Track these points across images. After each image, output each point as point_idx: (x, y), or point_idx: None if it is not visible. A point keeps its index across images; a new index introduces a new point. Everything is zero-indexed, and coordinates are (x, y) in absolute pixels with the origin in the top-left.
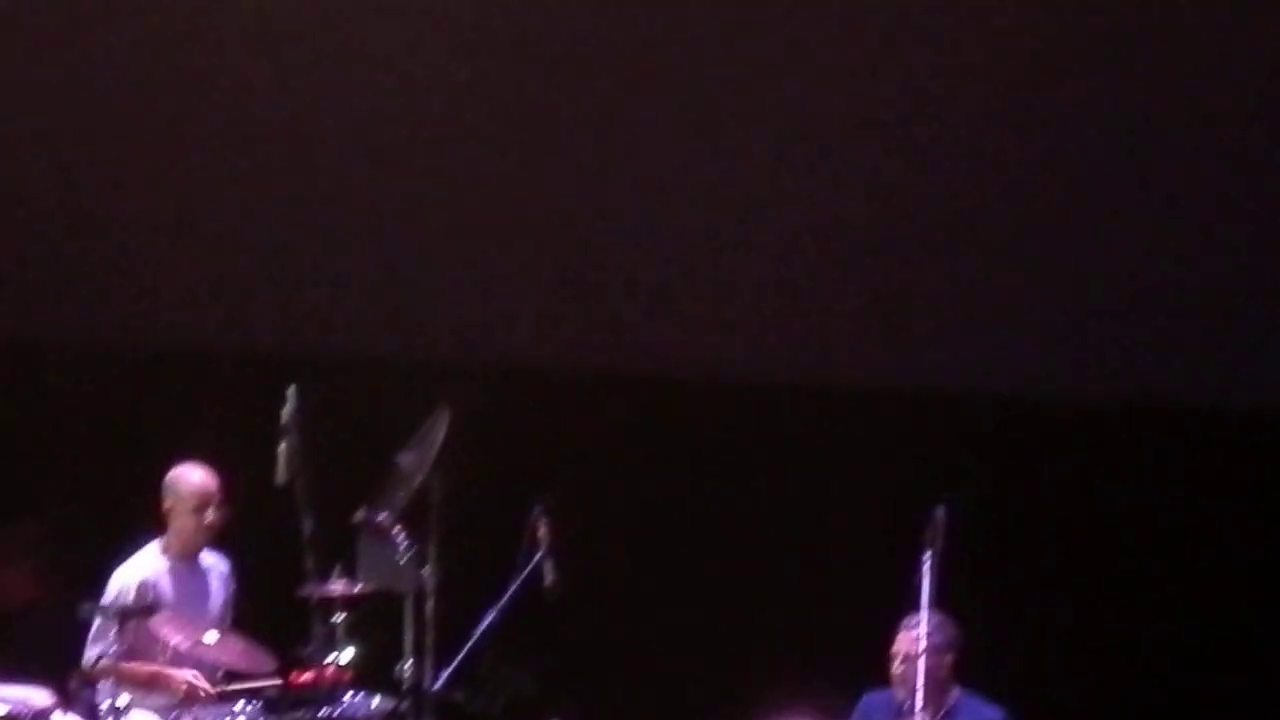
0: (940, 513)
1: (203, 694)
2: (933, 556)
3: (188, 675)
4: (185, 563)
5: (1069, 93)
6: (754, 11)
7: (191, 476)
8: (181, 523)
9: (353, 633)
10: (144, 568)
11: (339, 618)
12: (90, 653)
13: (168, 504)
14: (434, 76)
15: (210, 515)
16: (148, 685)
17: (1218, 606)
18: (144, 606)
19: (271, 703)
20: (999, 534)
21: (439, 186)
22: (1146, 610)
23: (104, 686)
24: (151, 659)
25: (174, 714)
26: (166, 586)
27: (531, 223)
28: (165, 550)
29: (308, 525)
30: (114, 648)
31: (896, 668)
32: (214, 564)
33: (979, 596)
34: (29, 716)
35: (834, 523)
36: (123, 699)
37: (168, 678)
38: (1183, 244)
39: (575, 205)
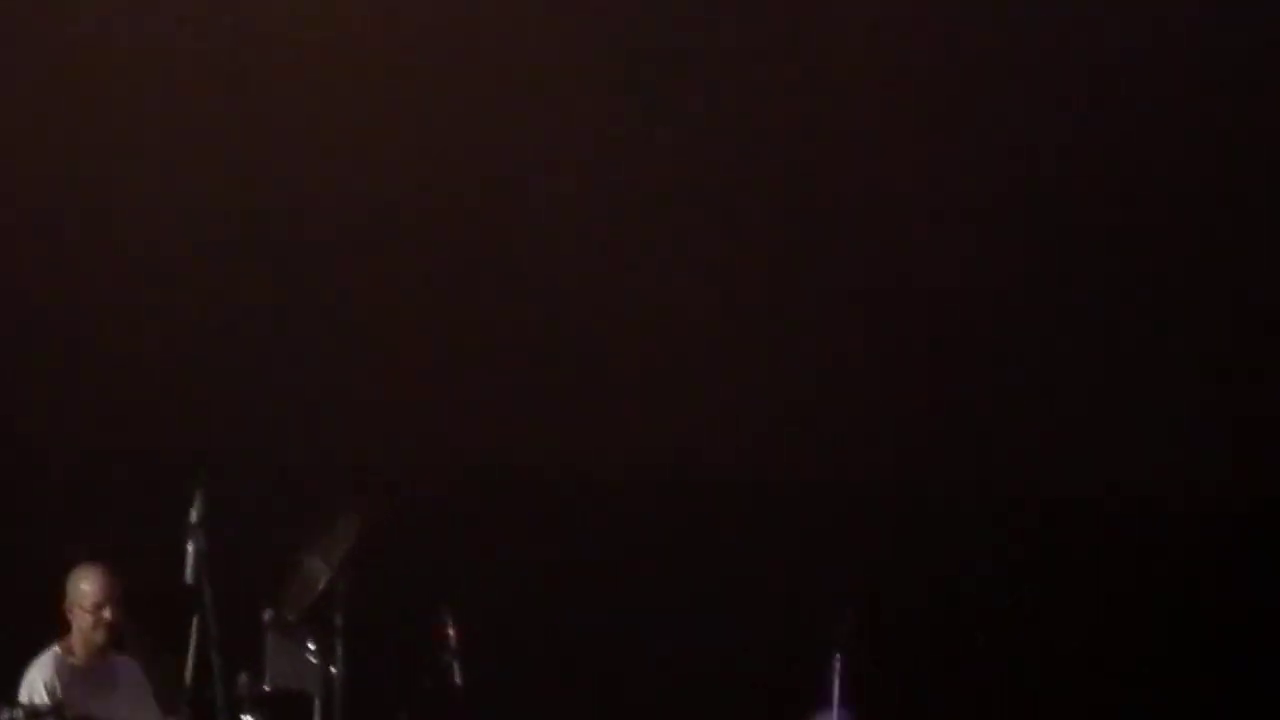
0: (850, 611)
1: None
2: (843, 655)
3: None
4: (91, 663)
5: None
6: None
7: (88, 576)
8: (81, 622)
9: None
10: (49, 668)
11: (247, 717)
12: None
13: (67, 603)
14: (338, 183)
15: (107, 614)
16: None
17: (1132, 697)
18: (49, 708)
19: None
20: (910, 632)
21: (345, 290)
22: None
23: None
24: None
25: None
26: (74, 687)
27: (434, 325)
28: (69, 651)
29: (214, 625)
30: None
31: None
32: (124, 665)
33: (888, 695)
34: None
35: (746, 619)
36: None
37: None
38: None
39: (476, 303)
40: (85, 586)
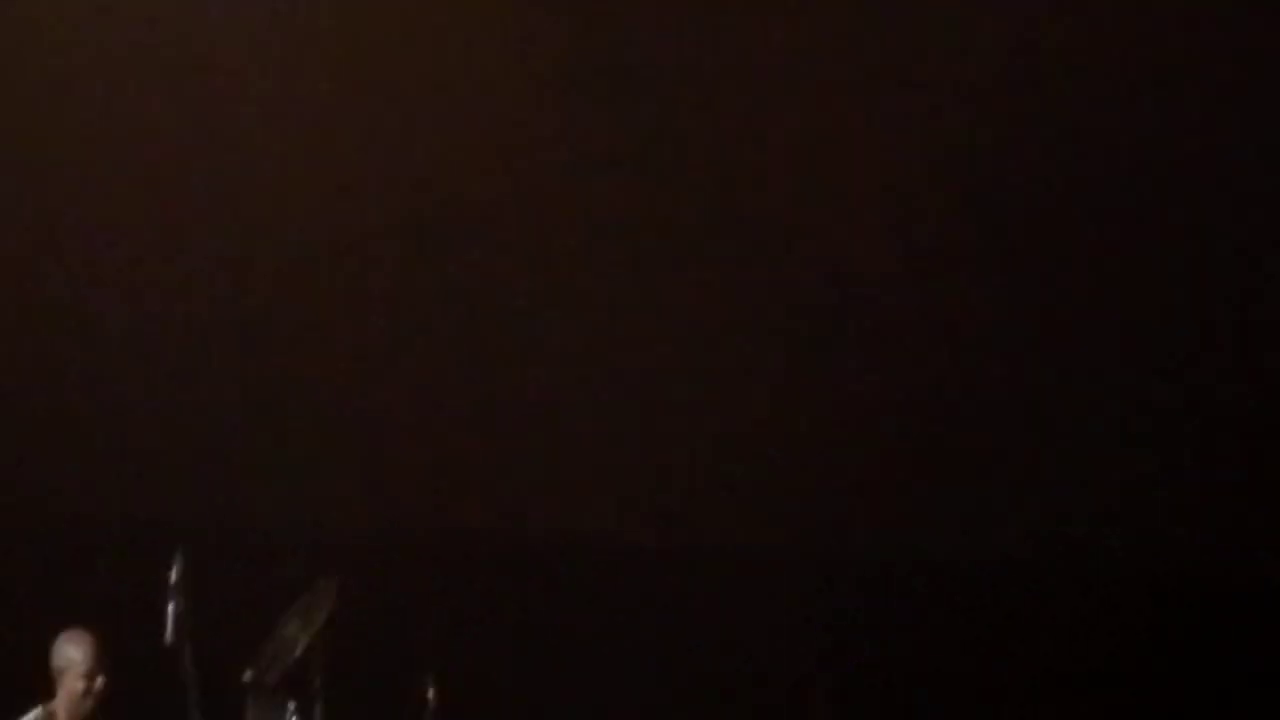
0: (823, 683)
1: None
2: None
3: None
4: None
5: None
6: None
7: (76, 642)
8: (69, 688)
9: None
10: None
11: None
12: None
13: (54, 669)
14: (304, 247)
15: (99, 683)
16: None
17: None
18: None
19: None
20: (885, 701)
21: (321, 360)
22: None
23: None
24: None
25: None
26: None
27: (413, 394)
28: (52, 715)
29: (195, 687)
30: None
31: None
32: None
33: None
34: None
35: (721, 687)
36: None
37: None
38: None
39: (455, 372)
40: (74, 654)
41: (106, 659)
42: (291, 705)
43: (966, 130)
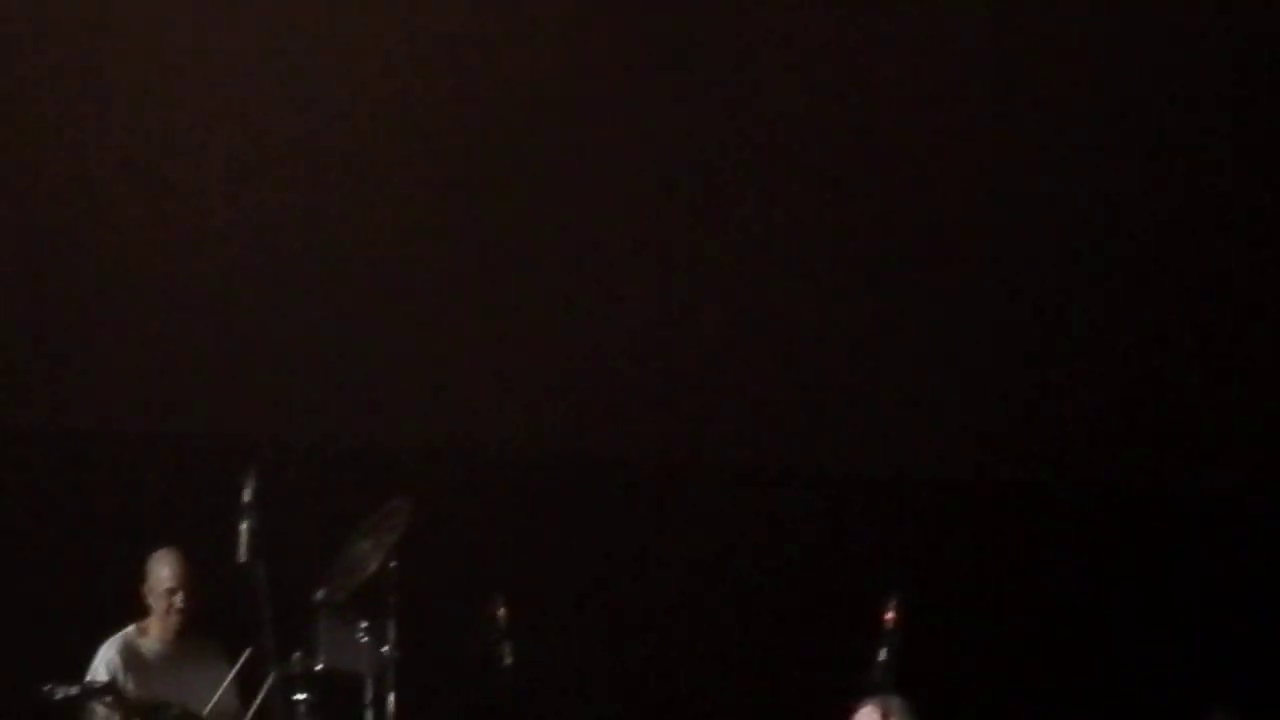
0: (897, 597)
1: None
2: (889, 641)
3: None
4: (165, 646)
5: None
6: None
7: (164, 560)
8: (156, 606)
9: (314, 713)
10: (115, 649)
11: (300, 698)
12: None
13: (145, 586)
14: (385, 163)
15: (179, 601)
16: None
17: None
18: (101, 687)
19: None
20: (956, 618)
21: (395, 274)
22: (1103, 690)
23: None
24: None
25: None
26: (140, 668)
27: (485, 308)
28: (144, 633)
29: (268, 605)
30: None
31: None
32: (200, 649)
33: (934, 682)
34: None
35: (793, 605)
36: None
37: None
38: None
39: (526, 289)
40: (161, 571)
41: (192, 577)
42: (363, 624)
43: None
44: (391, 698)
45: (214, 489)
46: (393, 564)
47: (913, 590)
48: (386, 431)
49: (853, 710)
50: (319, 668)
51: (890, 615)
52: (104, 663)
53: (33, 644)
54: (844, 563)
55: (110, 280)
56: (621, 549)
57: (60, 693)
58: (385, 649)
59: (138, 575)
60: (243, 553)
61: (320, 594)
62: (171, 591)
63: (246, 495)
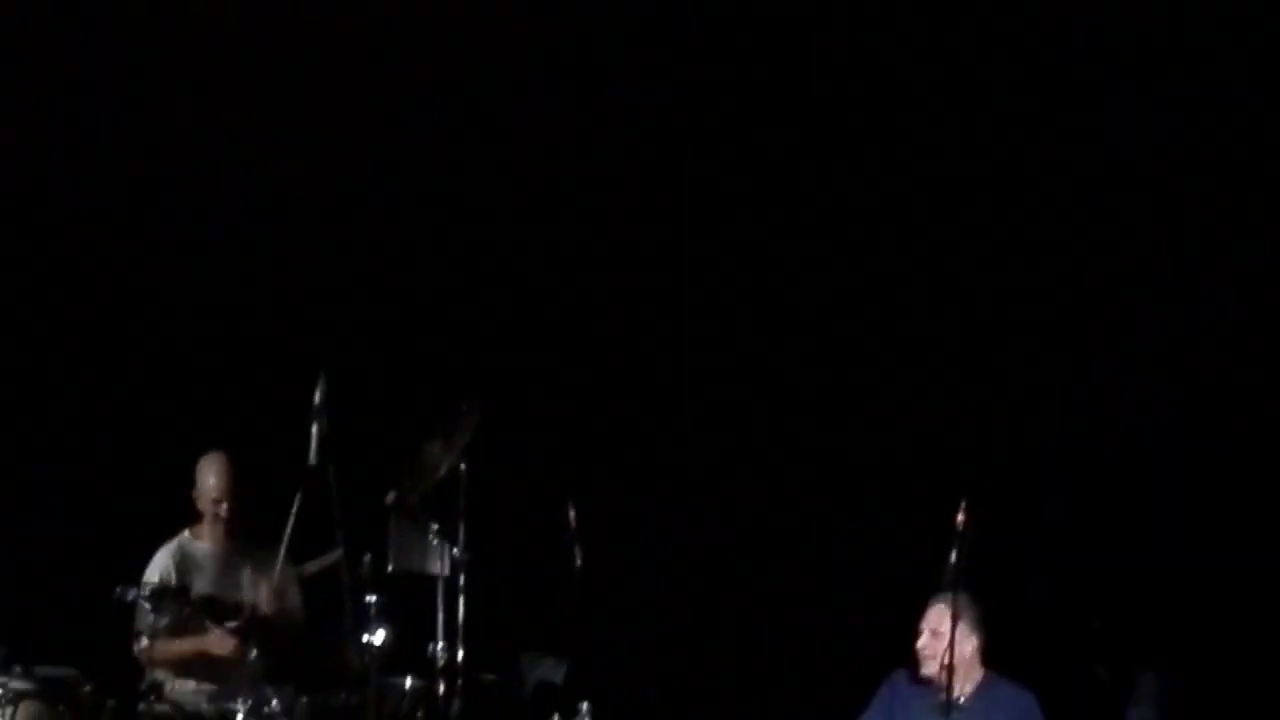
0: (968, 496)
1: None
2: (962, 538)
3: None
4: (219, 547)
5: None
6: None
7: (211, 467)
8: (205, 511)
9: (385, 614)
10: (171, 552)
11: (371, 599)
12: (138, 641)
13: (195, 491)
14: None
15: (224, 510)
16: (194, 658)
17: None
18: (177, 588)
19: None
20: (1027, 519)
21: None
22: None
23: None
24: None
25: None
26: (196, 569)
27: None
28: (198, 536)
29: (338, 508)
30: (158, 628)
31: (922, 643)
32: (257, 548)
33: (1006, 582)
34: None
35: (864, 502)
36: (163, 676)
37: (210, 645)
38: None
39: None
40: (209, 479)
41: (237, 484)
42: (434, 526)
43: None
44: (462, 600)
45: (285, 392)
46: (463, 466)
47: (983, 492)
48: (462, 329)
49: (923, 610)
50: (390, 570)
51: (961, 517)
52: (158, 567)
53: (96, 548)
54: (916, 464)
55: (182, 176)
56: (692, 448)
57: (130, 594)
58: (456, 551)
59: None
60: (313, 456)
61: (391, 496)
62: (216, 501)
63: (317, 398)
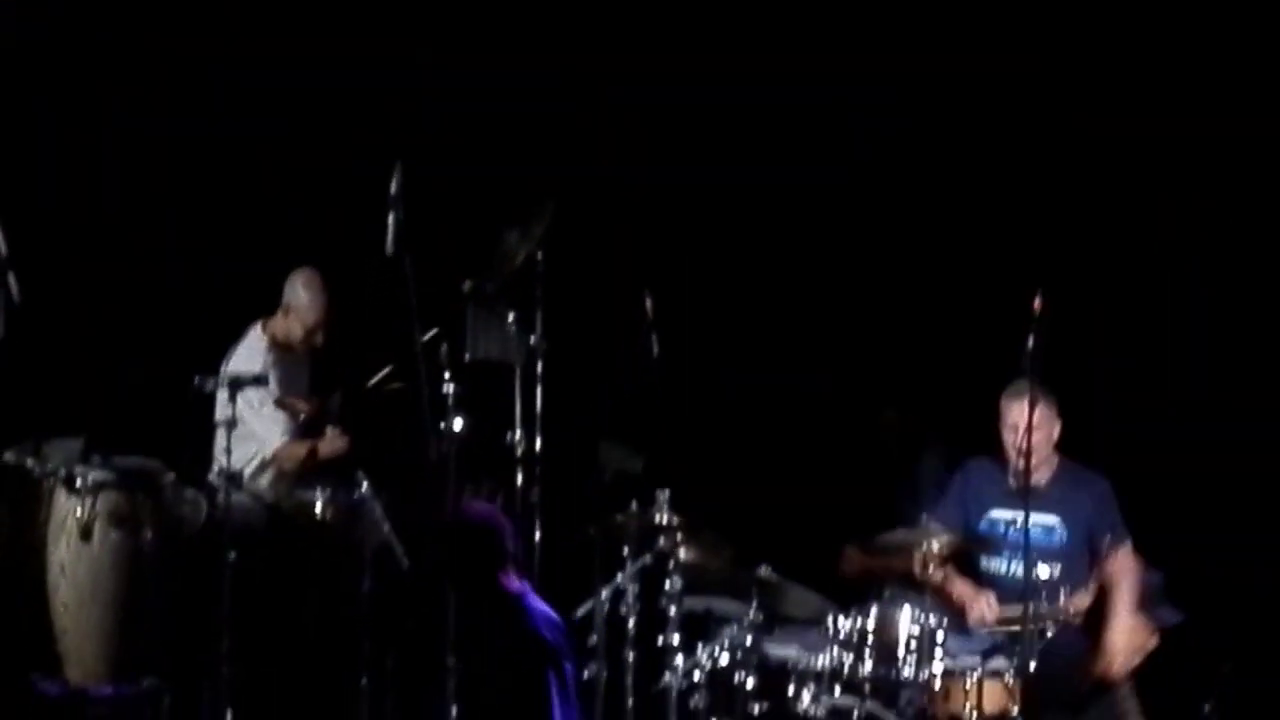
0: (1045, 286)
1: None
2: (1039, 324)
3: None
4: (299, 352)
5: None
6: None
7: (310, 288)
8: (290, 325)
9: (462, 402)
10: (251, 344)
11: (449, 388)
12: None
13: (285, 301)
14: None
15: (319, 340)
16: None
17: None
18: (254, 377)
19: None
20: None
21: None
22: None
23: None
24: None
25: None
26: (278, 365)
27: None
28: (275, 334)
29: (415, 297)
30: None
31: (1006, 434)
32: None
33: (1084, 369)
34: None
35: (942, 294)
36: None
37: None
38: None
39: None
40: (304, 298)
41: (331, 311)
42: (511, 315)
43: None
44: (539, 388)
45: (359, 184)
46: (540, 254)
47: (1061, 279)
48: (539, 121)
49: (1001, 396)
50: (467, 359)
51: (1039, 303)
52: (243, 356)
53: (173, 336)
54: (995, 250)
55: None
56: (769, 232)
57: (210, 384)
58: (533, 339)
59: (276, 273)
60: (390, 245)
61: (468, 285)
62: (310, 328)
63: (393, 187)
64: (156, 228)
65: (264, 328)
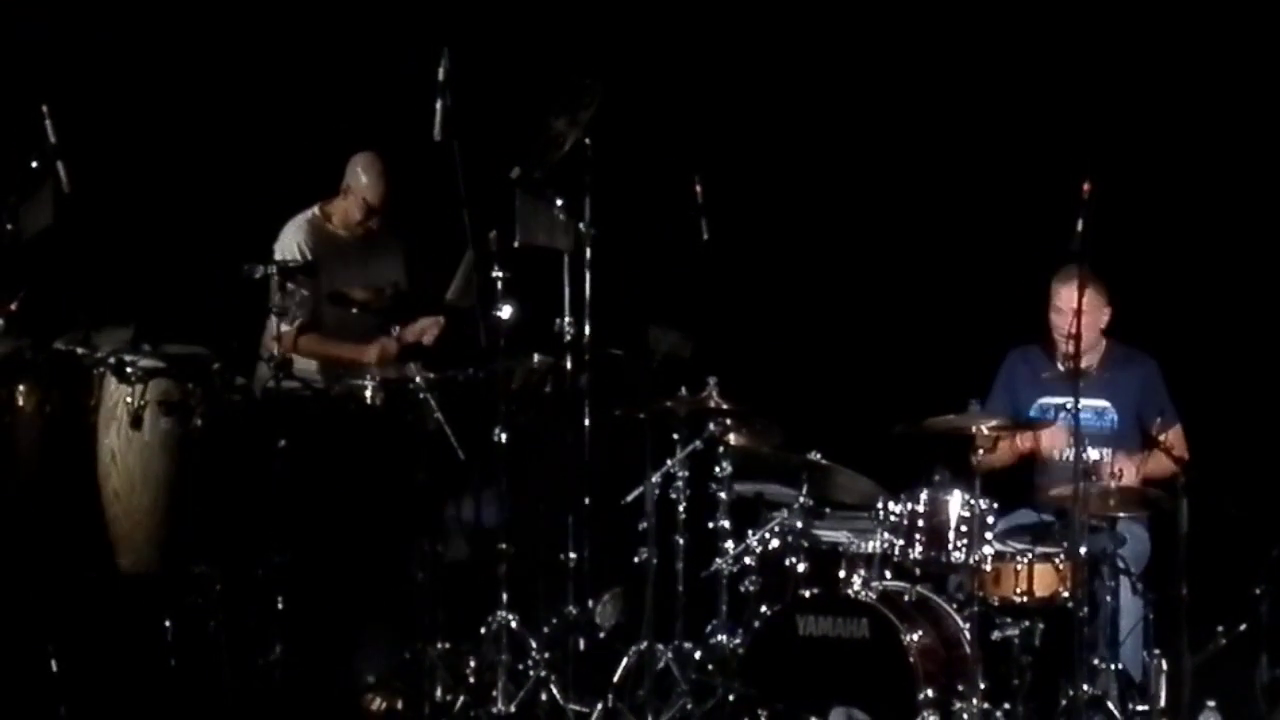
0: (1092, 175)
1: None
2: (1088, 207)
3: (375, 348)
4: (353, 233)
5: None
6: None
7: (371, 170)
8: (350, 207)
9: (511, 288)
10: (305, 230)
11: (498, 274)
12: (275, 321)
13: (345, 183)
14: None
15: (375, 223)
16: (342, 364)
17: None
18: (304, 265)
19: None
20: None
21: None
22: None
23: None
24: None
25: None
26: (327, 252)
27: None
28: (329, 218)
29: (463, 183)
30: (298, 317)
31: (1054, 318)
32: (384, 236)
33: (1134, 254)
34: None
35: (991, 178)
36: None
37: (360, 353)
38: None
39: None
40: (365, 180)
41: (391, 194)
42: (559, 201)
43: None
44: (588, 275)
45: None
46: (588, 140)
47: (1111, 161)
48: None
49: (1052, 279)
50: (516, 245)
51: (1088, 186)
52: (296, 244)
53: (221, 223)
54: (1045, 134)
55: None
56: (817, 120)
57: (259, 271)
58: (582, 225)
59: (327, 161)
60: (438, 131)
61: (516, 172)
62: (370, 211)
63: (441, 74)
64: (208, 114)
65: (321, 210)
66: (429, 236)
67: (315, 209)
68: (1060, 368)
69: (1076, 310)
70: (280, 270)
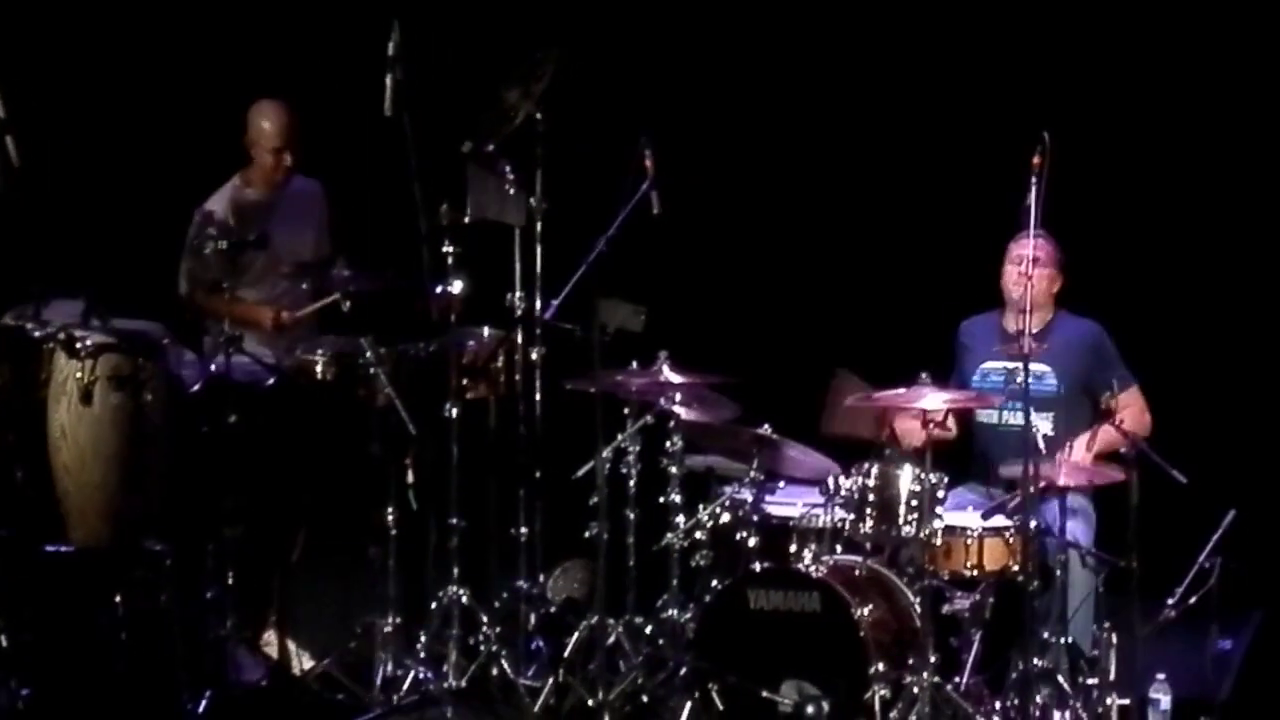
0: (1047, 136)
1: (289, 321)
2: (1040, 178)
3: (269, 312)
4: (269, 194)
5: None
6: None
7: (269, 114)
8: (261, 158)
9: (462, 263)
10: (225, 200)
11: (448, 248)
12: (182, 281)
13: (248, 138)
14: None
15: (288, 159)
16: (237, 322)
17: None
18: (257, 239)
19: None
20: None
21: None
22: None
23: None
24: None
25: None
26: (248, 216)
27: None
28: (247, 183)
29: (414, 156)
30: (208, 275)
31: (1009, 270)
32: (304, 189)
33: (1084, 220)
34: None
35: (942, 144)
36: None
37: (255, 314)
38: None
39: None
40: (266, 125)
41: (297, 133)
42: (510, 175)
43: None
44: (539, 248)
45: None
46: (539, 114)
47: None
48: None
49: (1007, 248)
50: (467, 219)
51: (1038, 160)
52: (217, 215)
53: (174, 197)
54: (996, 103)
55: None
56: (771, 92)
57: (209, 247)
58: (533, 199)
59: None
60: (388, 106)
61: (467, 145)
62: (279, 151)
63: (391, 48)
64: (158, 88)
65: (241, 178)
66: (380, 211)
67: (236, 178)
68: (1010, 327)
69: (1028, 278)
70: (230, 246)
